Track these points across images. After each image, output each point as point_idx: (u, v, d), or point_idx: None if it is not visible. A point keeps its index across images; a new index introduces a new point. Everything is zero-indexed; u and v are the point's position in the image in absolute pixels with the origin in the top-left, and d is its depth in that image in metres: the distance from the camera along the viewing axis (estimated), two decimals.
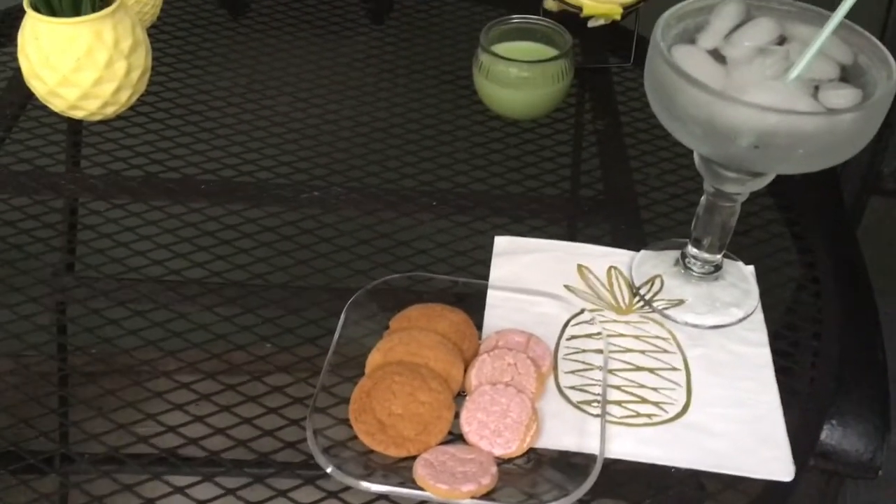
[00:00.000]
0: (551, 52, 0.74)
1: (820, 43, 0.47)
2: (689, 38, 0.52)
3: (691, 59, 0.50)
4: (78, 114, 0.69)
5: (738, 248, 0.61)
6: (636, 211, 0.68)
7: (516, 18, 0.75)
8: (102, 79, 0.67)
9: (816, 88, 0.48)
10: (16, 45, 0.67)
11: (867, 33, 0.51)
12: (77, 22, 0.65)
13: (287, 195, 0.67)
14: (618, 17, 0.77)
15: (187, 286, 0.60)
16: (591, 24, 0.79)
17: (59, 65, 0.66)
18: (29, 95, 0.70)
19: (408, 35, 0.86)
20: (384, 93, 0.79)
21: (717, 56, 0.51)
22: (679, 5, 0.53)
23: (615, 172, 0.71)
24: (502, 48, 0.74)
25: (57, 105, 0.68)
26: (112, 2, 0.68)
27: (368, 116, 0.76)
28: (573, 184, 0.72)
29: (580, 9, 0.77)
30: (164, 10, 0.81)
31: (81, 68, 0.66)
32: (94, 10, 0.66)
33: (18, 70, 0.69)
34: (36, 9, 0.66)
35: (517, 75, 0.71)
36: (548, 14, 0.80)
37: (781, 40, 0.52)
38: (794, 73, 0.48)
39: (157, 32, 0.82)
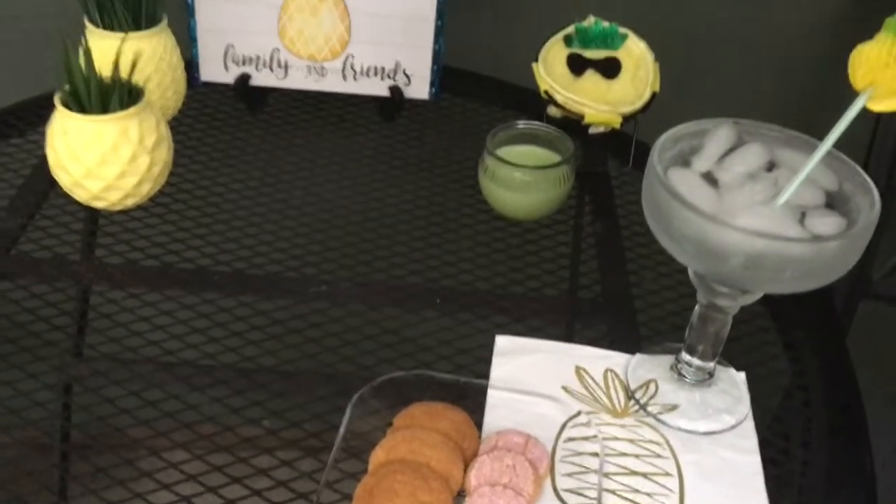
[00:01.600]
0: (554, 156, 0.78)
1: (807, 172, 0.51)
2: (684, 160, 0.56)
3: (686, 182, 0.53)
4: (99, 204, 0.72)
5: (730, 353, 0.64)
6: (632, 313, 0.70)
7: (521, 124, 0.79)
8: (126, 173, 0.70)
9: (803, 214, 0.51)
10: (39, 132, 0.71)
11: (851, 161, 0.54)
12: (105, 119, 0.69)
13: (296, 288, 0.70)
14: (617, 126, 0.81)
15: (198, 376, 0.62)
16: (591, 130, 0.82)
17: (85, 158, 0.69)
18: (52, 183, 0.74)
19: (417, 133, 0.89)
20: (393, 189, 0.82)
21: (710, 179, 0.54)
22: (675, 129, 0.56)
23: (613, 275, 0.74)
24: (507, 151, 0.77)
25: (80, 195, 0.72)
26: (138, 99, 0.71)
27: (377, 212, 0.79)
28: (572, 285, 0.74)
29: (582, 117, 0.81)
30: (185, 102, 0.85)
31: (106, 162, 0.69)
32: (121, 108, 0.70)
33: (42, 158, 0.72)
34: (66, 105, 0.69)
35: (521, 179, 0.74)
36: (550, 120, 0.84)
37: (771, 165, 0.55)
38: (782, 199, 0.51)
39: (178, 124, 0.86)
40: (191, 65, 0.88)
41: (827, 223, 0.50)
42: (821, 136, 0.53)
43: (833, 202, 0.53)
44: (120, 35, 0.77)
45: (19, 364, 0.62)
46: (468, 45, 1.00)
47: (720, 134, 0.56)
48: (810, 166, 0.51)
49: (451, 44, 0.89)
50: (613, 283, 0.73)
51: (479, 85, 0.97)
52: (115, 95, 0.70)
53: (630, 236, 0.78)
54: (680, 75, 0.89)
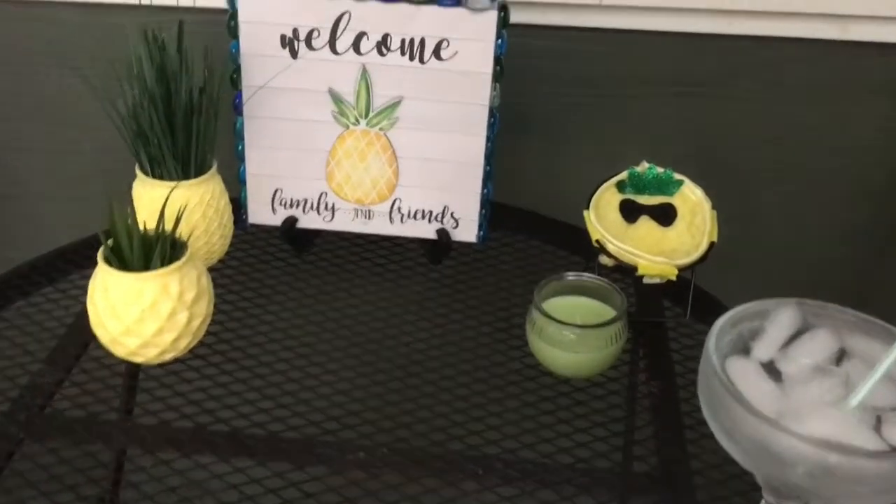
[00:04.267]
0: (606, 309, 0.74)
1: (883, 371, 0.46)
2: (744, 346, 0.51)
3: (745, 375, 0.49)
4: (137, 359, 0.71)
5: None
6: (691, 491, 0.65)
7: (570, 276, 0.76)
8: (164, 329, 0.69)
9: (879, 419, 0.46)
10: (87, 275, 0.70)
11: None
12: (145, 277, 0.68)
13: (332, 454, 0.66)
14: (673, 278, 0.77)
15: None
16: (646, 281, 0.79)
17: (124, 315, 0.68)
18: (93, 335, 0.73)
19: (464, 278, 0.87)
20: (436, 339, 0.79)
21: (772, 370, 0.50)
22: (733, 311, 0.52)
23: (670, 445, 0.69)
24: (556, 304, 0.74)
25: (118, 351, 0.70)
26: (181, 252, 0.71)
27: (420, 366, 0.76)
28: (625, 455, 0.70)
29: (635, 267, 0.77)
30: (232, 243, 0.84)
31: (145, 319, 0.68)
32: (163, 264, 0.69)
33: (83, 311, 0.71)
34: (108, 261, 0.69)
35: (570, 338, 0.71)
36: (603, 268, 0.81)
37: (841, 354, 0.50)
38: (854, 400, 0.46)
39: (223, 267, 0.86)
40: (238, 205, 0.88)
41: None
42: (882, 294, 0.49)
43: None
44: (169, 184, 0.77)
45: None
46: (516, 181, 0.99)
47: (783, 316, 0.52)
48: (886, 365, 0.46)
49: (500, 178, 0.87)
50: (671, 455, 0.68)
51: (527, 223, 0.95)
52: (158, 250, 0.69)
53: (689, 398, 0.73)
54: (736, 222, 0.85)
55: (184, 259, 0.70)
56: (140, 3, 0.93)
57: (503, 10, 0.77)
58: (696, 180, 0.81)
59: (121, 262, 0.69)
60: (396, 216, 0.87)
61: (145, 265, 0.69)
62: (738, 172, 1.03)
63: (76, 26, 0.98)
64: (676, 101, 1.00)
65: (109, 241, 0.70)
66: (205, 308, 0.72)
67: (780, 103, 1.00)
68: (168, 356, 0.71)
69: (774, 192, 1.04)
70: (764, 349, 0.51)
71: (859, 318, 0.52)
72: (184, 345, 0.71)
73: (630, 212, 0.81)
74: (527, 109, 1.00)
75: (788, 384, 0.49)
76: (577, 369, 0.73)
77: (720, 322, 0.51)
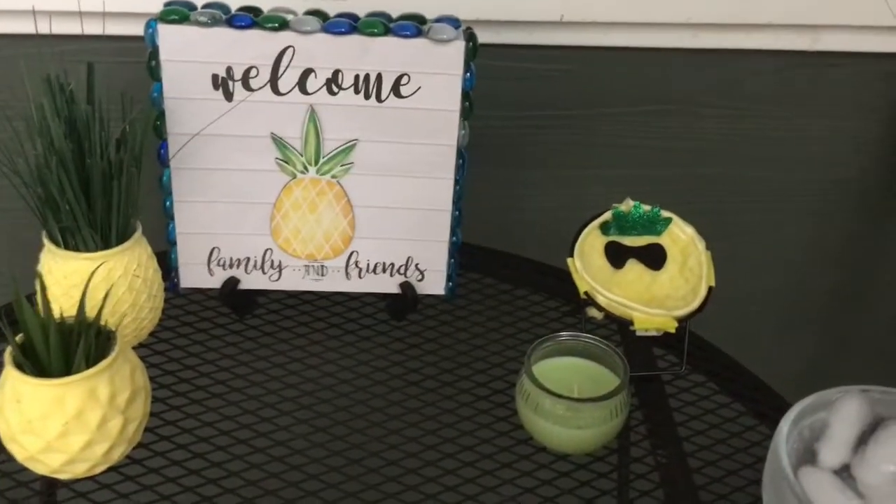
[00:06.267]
0: (603, 372, 0.67)
1: None
2: (809, 448, 0.44)
3: (822, 490, 0.41)
4: (63, 476, 0.59)
5: None
6: None
7: (565, 337, 0.67)
8: (93, 441, 0.57)
9: None
10: None
11: None
12: (67, 382, 0.56)
13: None
14: (672, 331, 0.70)
15: None
16: (639, 333, 0.71)
17: (43, 430, 0.56)
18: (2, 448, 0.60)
19: (433, 335, 0.77)
20: (412, 406, 0.69)
21: (848, 476, 0.43)
22: (794, 409, 0.45)
23: None
24: (547, 369, 0.66)
25: (38, 469, 0.59)
26: (109, 345, 0.59)
27: (399, 451, 0.66)
28: None
29: (629, 321, 0.70)
30: (163, 310, 0.73)
31: (70, 433, 0.56)
32: (88, 363, 0.57)
33: None
34: (19, 365, 0.57)
35: (569, 414, 0.63)
36: (590, 321, 0.73)
37: None
38: None
39: (156, 342, 0.74)
40: (167, 267, 0.76)
41: None
42: None
43: None
44: (85, 256, 0.65)
45: None
46: (473, 215, 0.90)
47: (848, 410, 0.45)
48: None
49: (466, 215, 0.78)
50: None
51: (494, 264, 0.86)
52: (81, 346, 0.57)
53: (701, 466, 0.66)
54: (724, 261, 0.78)
55: (114, 353, 0.58)
56: (37, 32, 0.80)
57: (471, 39, 0.68)
58: (666, 199, 0.74)
59: (35, 363, 0.57)
60: (353, 271, 0.77)
61: (66, 366, 0.57)
62: (713, 192, 0.97)
63: None
64: (644, 120, 0.93)
65: (19, 338, 0.58)
66: (141, 408, 0.60)
67: (752, 117, 0.94)
68: (99, 469, 0.60)
69: (751, 210, 0.99)
70: (832, 452, 0.44)
71: None
72: (118, 454, 0.60)
73: (616, 255, 0.74)
74: (483, 136, 0.91)
75: (873, 498, 0.42)
76: (576, 445, 0.65)
77: (785, 428, 0.43)
